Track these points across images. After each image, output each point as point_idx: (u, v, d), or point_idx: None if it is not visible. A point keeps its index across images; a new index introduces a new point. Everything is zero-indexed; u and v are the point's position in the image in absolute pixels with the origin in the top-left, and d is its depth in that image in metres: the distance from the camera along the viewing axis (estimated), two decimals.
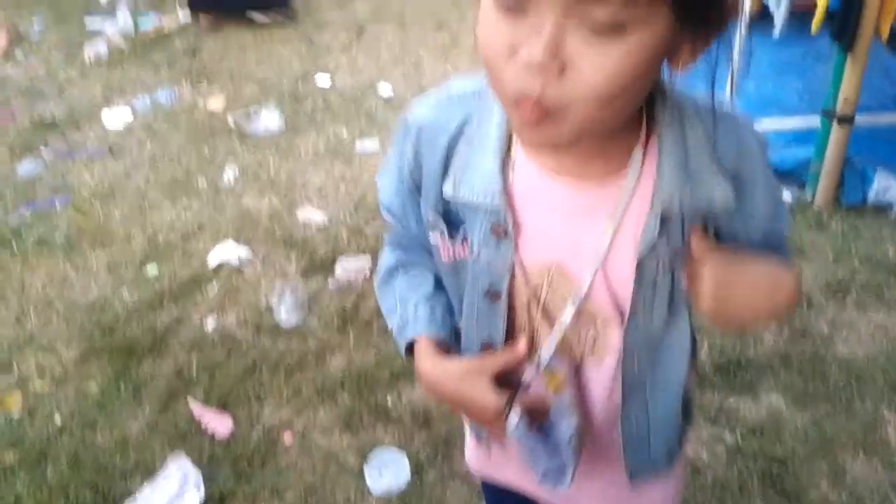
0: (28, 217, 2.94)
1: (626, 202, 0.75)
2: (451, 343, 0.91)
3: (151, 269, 2.62)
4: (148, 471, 1.90)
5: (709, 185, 0.75)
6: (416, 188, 0.84)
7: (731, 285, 0.75)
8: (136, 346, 2.29)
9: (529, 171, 0.77)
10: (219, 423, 2.02)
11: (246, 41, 4.17)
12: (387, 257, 0.97)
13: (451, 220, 0.82)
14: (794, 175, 2.75)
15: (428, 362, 0.88)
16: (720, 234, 0.81)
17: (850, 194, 2.64)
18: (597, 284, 0.80)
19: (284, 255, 2.63)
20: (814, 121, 2.64)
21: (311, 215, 2.81)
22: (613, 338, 0.84)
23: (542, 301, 0.83)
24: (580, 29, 0.58)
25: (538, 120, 0.63)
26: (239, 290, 2.50)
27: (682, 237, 0.77)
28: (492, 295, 0.84)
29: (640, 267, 0.77)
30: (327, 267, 2.55)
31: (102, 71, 4.04)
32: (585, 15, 0.57)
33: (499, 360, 0.85)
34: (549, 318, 0.84)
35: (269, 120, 3.40)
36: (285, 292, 2.41)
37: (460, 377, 0.85)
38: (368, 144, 3.18)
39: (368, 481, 1.84)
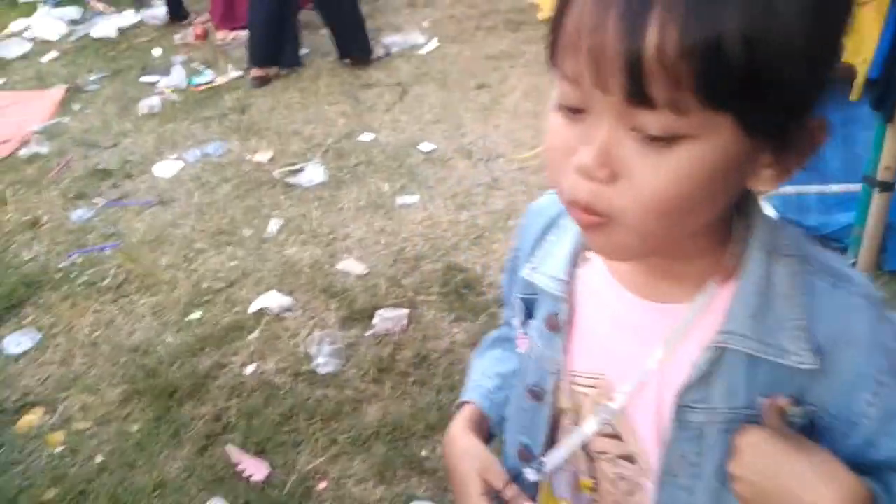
0: (79, 261, 3.04)
1: (684, 332, 0.68)
2: (496, 426, 0.90)
3: (195, 315, 2.68)
4: None
5: (784, 343, 0.65)
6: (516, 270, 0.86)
7: (771, 463, 0.64)
8: (178, 390, 2.33)
9: (599, 271, 0.75)
10: (255, 469, 2.03)
11: (293, 99, 4.31)
12: (497, 330, 1.00)
13: (530, 310, 0.82)
14: (836, 240, 2.74)
15: (459, 427, 0.88)
16: (815, 422, 0.67)
17: (892, 260, 2.62)
18: (642, 419, 0.73)
19: (324, 305, 2.68)
20: (856, 186, 2.64)
21: (351, 266, 2.86)
22: (647, 497, 0.75)
23: (580, 415, 0.77)
24: (633, 136, 0.56)
25: (592, 226, 0.61)
26: (279, 337, 2.54)
27: (747, 399, 0.67)
28: (535, 394, 0.80)
29: (680, 403, 0.69)
30: (366, 317, 2.59)
31: (155, 124, 4.19)
32: (638, 123, 0.55)
33: (508, 486, 0.80)
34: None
35: (313, 174, 3.49)
36: (324, 341, 2.44)
37: (472, 458, 0.84)
38: (409, 199, 3.25)
39: None
